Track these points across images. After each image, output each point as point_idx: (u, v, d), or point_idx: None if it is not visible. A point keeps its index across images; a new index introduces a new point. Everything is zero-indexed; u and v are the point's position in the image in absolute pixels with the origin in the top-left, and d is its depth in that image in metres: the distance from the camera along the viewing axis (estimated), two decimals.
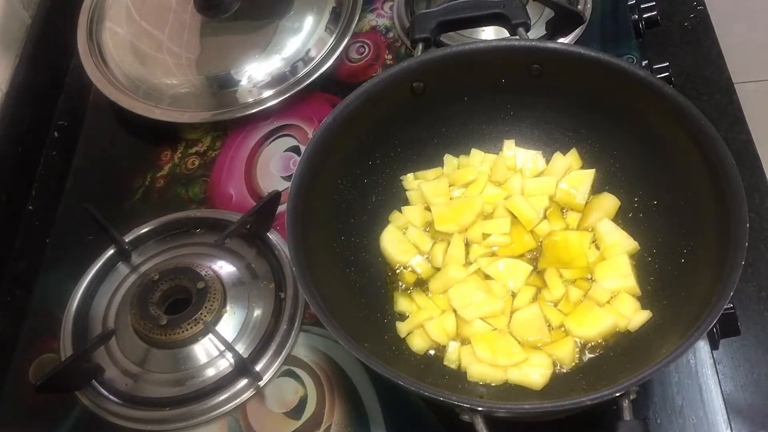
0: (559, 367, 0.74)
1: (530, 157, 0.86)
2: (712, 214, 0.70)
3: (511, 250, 0.82)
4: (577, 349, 0.75)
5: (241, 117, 1.00)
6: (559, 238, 0.81)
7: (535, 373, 0.73)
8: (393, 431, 0.76)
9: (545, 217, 0.83)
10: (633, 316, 0.75)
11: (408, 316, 0.79)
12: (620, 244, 0.79)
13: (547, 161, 0.86)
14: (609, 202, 0.82)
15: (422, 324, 0.77)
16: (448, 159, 0.88)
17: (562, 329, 0.76)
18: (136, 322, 0.83)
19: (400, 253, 0.82)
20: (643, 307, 0.76)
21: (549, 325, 0.77)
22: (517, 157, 0.87)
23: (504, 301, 0.78)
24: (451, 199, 0.85)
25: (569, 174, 0.85)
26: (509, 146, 0.87)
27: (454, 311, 0.78)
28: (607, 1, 1.03)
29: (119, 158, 1.04)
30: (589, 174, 0.84)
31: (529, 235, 0.82)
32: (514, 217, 0.83)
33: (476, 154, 0.87)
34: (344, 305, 0.74)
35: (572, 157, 0.85)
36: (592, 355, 0.75)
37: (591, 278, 0.79)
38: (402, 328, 0.78)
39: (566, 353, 0.74)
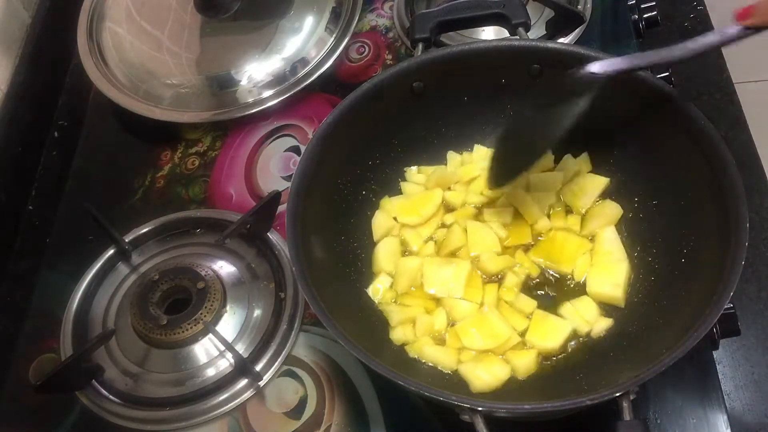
0: (557, 366, 0.74)
1: None
2: (712, 215, 0.70)
3: (507, 242, 0.82)
4: (576, 347, 0.75)
5: (241, 117, 1.00)
6: (558, 237, 0.81)
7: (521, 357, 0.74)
8: (393, 431, 0.76)
9: (547, 214, 0.83)
10: (595, 322, 0.75)
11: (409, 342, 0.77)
12: (616, 255, 0.79)
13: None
14: (612, 209, 0.82)
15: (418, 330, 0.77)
16: (451, 156, 0.88)
17: (524, 341, 0.76)
18: (136, 322, 0.83)
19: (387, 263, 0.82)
20: (643, 307, 0.76)
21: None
22: None
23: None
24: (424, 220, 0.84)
25: (583, 176, 0.84)
26: None
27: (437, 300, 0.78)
28: (607, 1, 1.03)
29: (119, 158, 1.04)
30: (602, 182, 0.83)
31: (528, 229, 0.82)
32: (516, 210, 0.82)
33: (479, 150, 0.87)
34: (344, 305, 0.74)
35: (582, 161, 0.84)
36: (593, 356, 0.75)
37: (573, 278, 0.79)
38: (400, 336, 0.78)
39: (524, 364, 0.73)
